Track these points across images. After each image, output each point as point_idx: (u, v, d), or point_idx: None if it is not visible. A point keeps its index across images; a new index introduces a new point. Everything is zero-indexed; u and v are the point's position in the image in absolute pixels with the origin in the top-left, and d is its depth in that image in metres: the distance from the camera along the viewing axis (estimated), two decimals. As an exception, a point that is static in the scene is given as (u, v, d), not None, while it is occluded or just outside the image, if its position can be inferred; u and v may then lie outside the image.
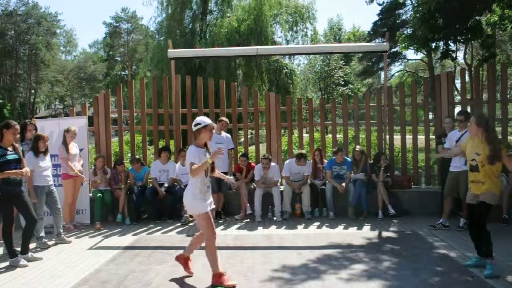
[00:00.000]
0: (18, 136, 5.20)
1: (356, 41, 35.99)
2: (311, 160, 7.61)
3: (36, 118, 14.33)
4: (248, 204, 7.05)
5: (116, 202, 7.08)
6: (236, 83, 9.51)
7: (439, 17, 10.01)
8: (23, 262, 4.83)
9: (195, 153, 3.89)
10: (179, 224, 6.78)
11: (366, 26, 71.97)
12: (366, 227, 6.38)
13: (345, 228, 6.39)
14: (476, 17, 10.78)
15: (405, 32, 20.17)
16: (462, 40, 11.54)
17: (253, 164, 7.65)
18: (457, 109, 7.71)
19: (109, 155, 7.81)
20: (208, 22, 21.79)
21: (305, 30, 23.31)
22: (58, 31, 50.20)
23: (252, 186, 7.33)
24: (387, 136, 7.79)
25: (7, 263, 4.86)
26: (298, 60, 31.12)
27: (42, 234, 5.62)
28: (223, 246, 5.28)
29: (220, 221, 6.85)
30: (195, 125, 3.99)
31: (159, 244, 5.71)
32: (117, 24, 53.23)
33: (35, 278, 4.43)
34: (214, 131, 4.11)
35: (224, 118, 7.35)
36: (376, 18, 28.74)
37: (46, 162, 5.60)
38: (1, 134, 4.84)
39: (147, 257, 5.09)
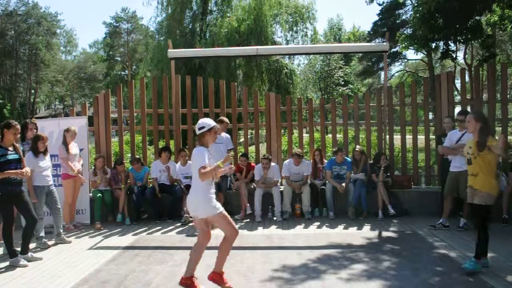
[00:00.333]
0: (18, 136, 5.21)
1: (356, 41, 35.98)
2: (311, 160, 7.61)
3: (36, 118, 14.34)
4: (248, 204, 7.05)
5: (116, 202, 7.08)
6: (236, 83, 9.51)
7: (439, 17, 10.00)
8: (23, 262, 4.83)
9: (204, 155, 3.77)
10: (179, 224, 6.78)
11: (366, 26, 72.09)
12: (366, 227, 6.38)
13: (345, 228, 6.39)
14: (476, 17, 10.78)
15: (405, 32, 20.15)
16: (462, 40, 11.53)
17: (253, 164, 7.65)
18: (457, 109, 7.71)
19: (109, 155, 7.81)
20: (208, 22, 21.79)
21: (305, 30, 23.34)
22: (58, 31, 50.27)
23: (252, 186, 7.33)
24: (387, 136, 7.79)
25: (7, 263, 4.86)
26: (298, 60, 31.23)
27: (42, 234, 5.62)
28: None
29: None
30: (200, 129, 3.87)
31: (159, 244, 5.71)
32: (117, 24, 53.25)
33: (35, 278, 4.43)
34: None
35: (224, 119, 7.33)
36: (376, 18, 28.77)
37: (45, 162, 5.60)
38: (1, 134, 4.85)
39: (147, 257, 5.09)
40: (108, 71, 52.84)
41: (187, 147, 8.21)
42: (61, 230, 5.89)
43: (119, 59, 54.47)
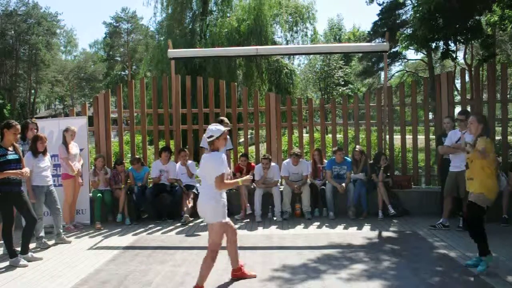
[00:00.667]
0: (18, 136, 5.21)
1: (356, 41, 35.94)
2: (311, 160, 7.61)
3: (36, 118, 14.35)
4: (248, 204, 7.04)
5: (116, 202, 7.08)
6: (236, 83, 9.50)
7: (439, 17, 9.98)
8: (23, 262, 4.83)
9: (222, 161, 3.74)
10: (179, 224, 6.77)
11: (366, 26, 71.99)
12: (366, 227, 6.37)
13: (345, 228, 6.39)
14: (476, 17, 10.76)
15: (405, 32, 20.10)
16: (462, 40, 11.51)
17: (253, 164, 7.65)
18: (457, 109, 7.71)
19: (109, 155, 7.81)
20: (208, 22, 21.76)
21: (305, 30, 23.33)
22: (58, 31, 50.21)
23: (252, 186, 7.33)
24: (387, 136, 7.78)
25: (7, 263, 4.87)
26: (298, 60, 31.27)
27: (42, 234, 5.63)
28: (223, 246, 5.26)
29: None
30: (209, 137, 3.82)
31: (159, 244, 5.71)
32: (117, 24, 53.22)
33: (35, 278, 4.43)
34: None
35: (225, 119, 7.32)
36: (376, 18, 28.72)
37: (45, 162, 5.60)
38: (1, 134, 4.85)
39: (147, 257, 5.09)
40: (108, 71, 52.80)
41: (187, 147, 8.22)
42: (61, 230, 5.89)
43: (119, 59, 54.45)
